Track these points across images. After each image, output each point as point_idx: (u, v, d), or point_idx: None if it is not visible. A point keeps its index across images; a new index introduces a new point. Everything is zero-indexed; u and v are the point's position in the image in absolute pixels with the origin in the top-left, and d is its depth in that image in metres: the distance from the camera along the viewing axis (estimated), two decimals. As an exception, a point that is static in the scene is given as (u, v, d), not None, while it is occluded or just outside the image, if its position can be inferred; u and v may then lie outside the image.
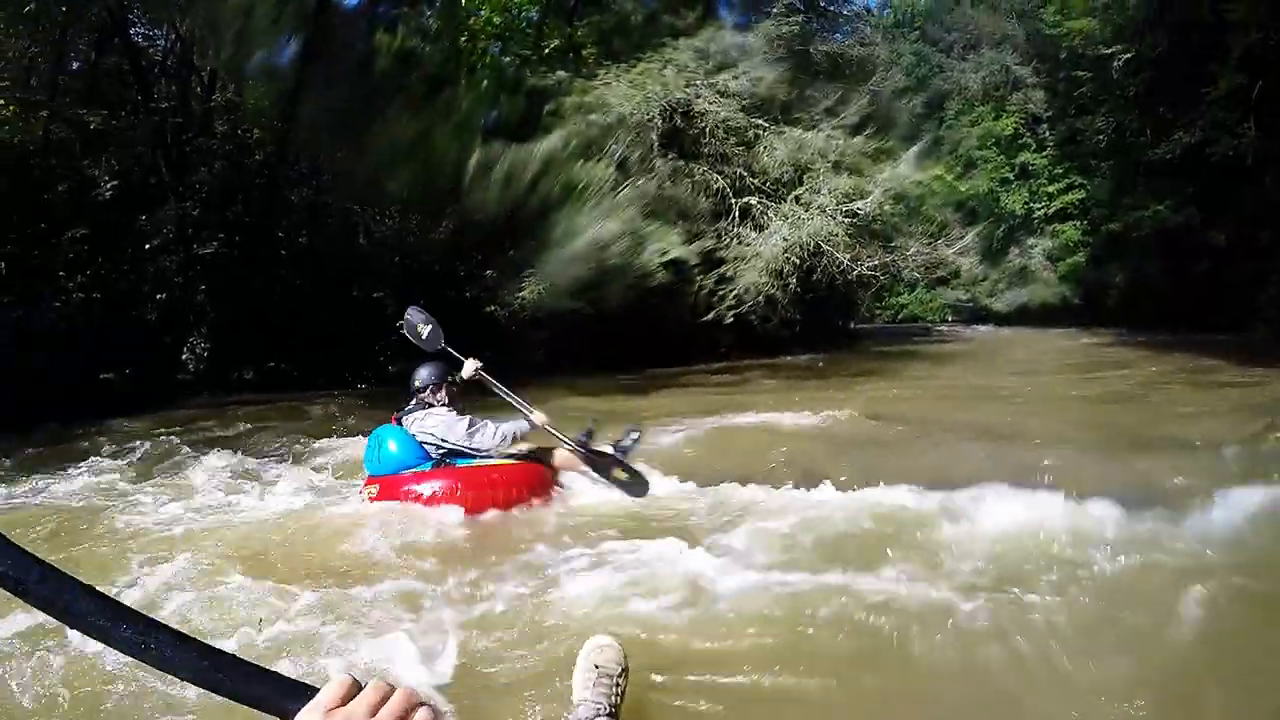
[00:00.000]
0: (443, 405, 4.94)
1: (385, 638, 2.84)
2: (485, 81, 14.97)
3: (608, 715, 2.17)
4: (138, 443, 7.36)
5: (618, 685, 2.26)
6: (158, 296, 14.89)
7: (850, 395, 10.02)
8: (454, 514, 4.44)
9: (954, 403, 9.78)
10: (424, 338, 5.46)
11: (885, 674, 2.63)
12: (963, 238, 16.30)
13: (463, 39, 16.28)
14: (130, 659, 0.73)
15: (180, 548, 3.96)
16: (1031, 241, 38.27)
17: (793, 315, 15.45)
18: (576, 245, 12.80)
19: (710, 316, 14.00)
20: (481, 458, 4.79)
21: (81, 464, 6.59)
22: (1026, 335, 28.82)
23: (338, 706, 0.69)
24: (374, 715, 0.68)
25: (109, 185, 14.14)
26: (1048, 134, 38.02)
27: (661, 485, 5.07)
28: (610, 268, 13.06)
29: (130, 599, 3.17)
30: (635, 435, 5.44)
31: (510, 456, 5.00)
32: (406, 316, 5.58)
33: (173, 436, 7.84)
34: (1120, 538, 3.58)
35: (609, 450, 5.21)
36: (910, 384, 12.54)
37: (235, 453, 6.74)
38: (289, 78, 17.69)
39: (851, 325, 26.29)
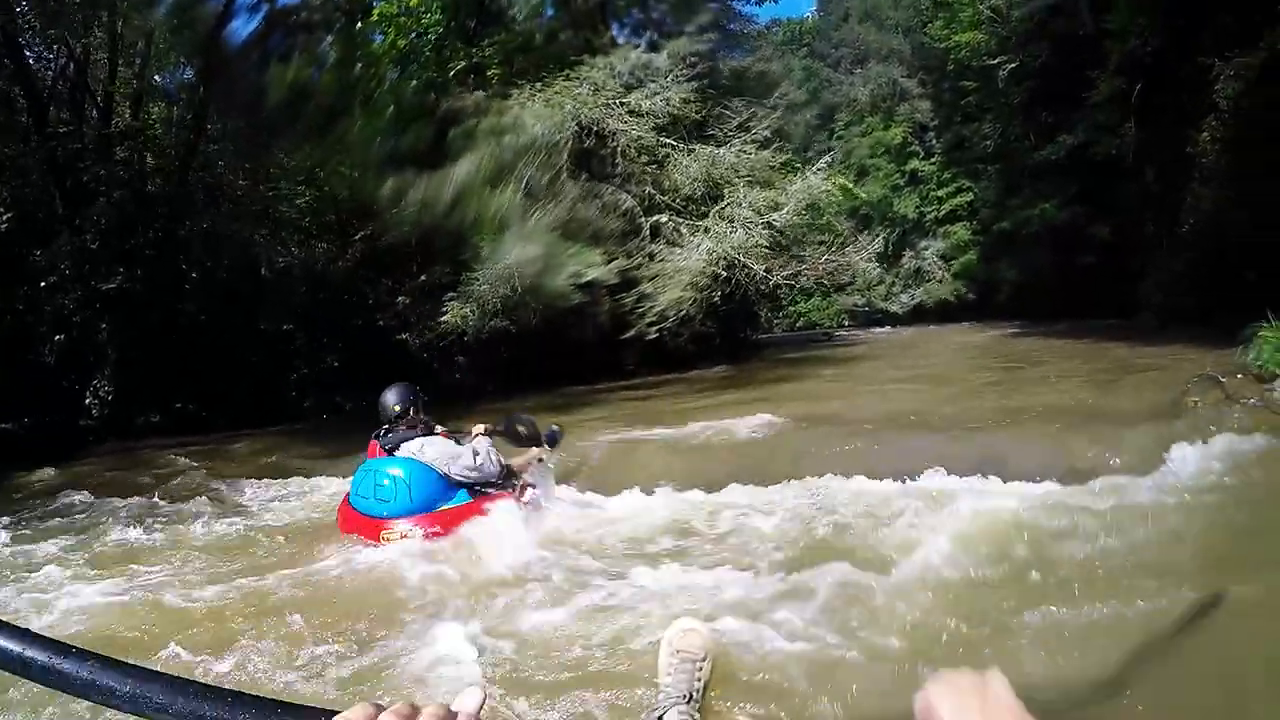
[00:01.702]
0: (423, 426, 4.75)
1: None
2: (390, 108, 14.67)
3: (685, 702, 2.12)
4: (60, 500, 7.01)
5: (699, 671, 2.21)
6: (56, 337, 13.98)
7: (775, 398, 10.18)
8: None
9: (879, 398, 10.08)
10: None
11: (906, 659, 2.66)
12: (870, 243, 16.77)
13: (357, 67, 15.94)
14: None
15: (210, 616, 3.70)
16: (924, 244, 40.02)
17: (708, 329, 15.61)
18: (497, 268, 12.70)
19: (631, 334, 14.03)
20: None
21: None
22: (927, 333, 30.08)
23: None
24: None
25: (3, 218, 13.20)
26: (935, 141, 39.87)
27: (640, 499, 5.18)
28: (529, 289, 13.00)
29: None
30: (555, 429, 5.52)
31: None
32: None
33: (104, 489, 7.44)
34: (1074, 511, 3.88)
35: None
36: (830, 384, 12.91)
37: (183, 501, 6.49)
38: (187, 104, 17.14)
39: (754, 336, 26.80)
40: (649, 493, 5.31)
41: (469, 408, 10.95)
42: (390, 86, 15.82)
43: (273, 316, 16.38)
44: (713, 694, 2.27)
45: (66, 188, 14.26)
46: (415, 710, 0.64)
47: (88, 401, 14.35)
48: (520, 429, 5.23)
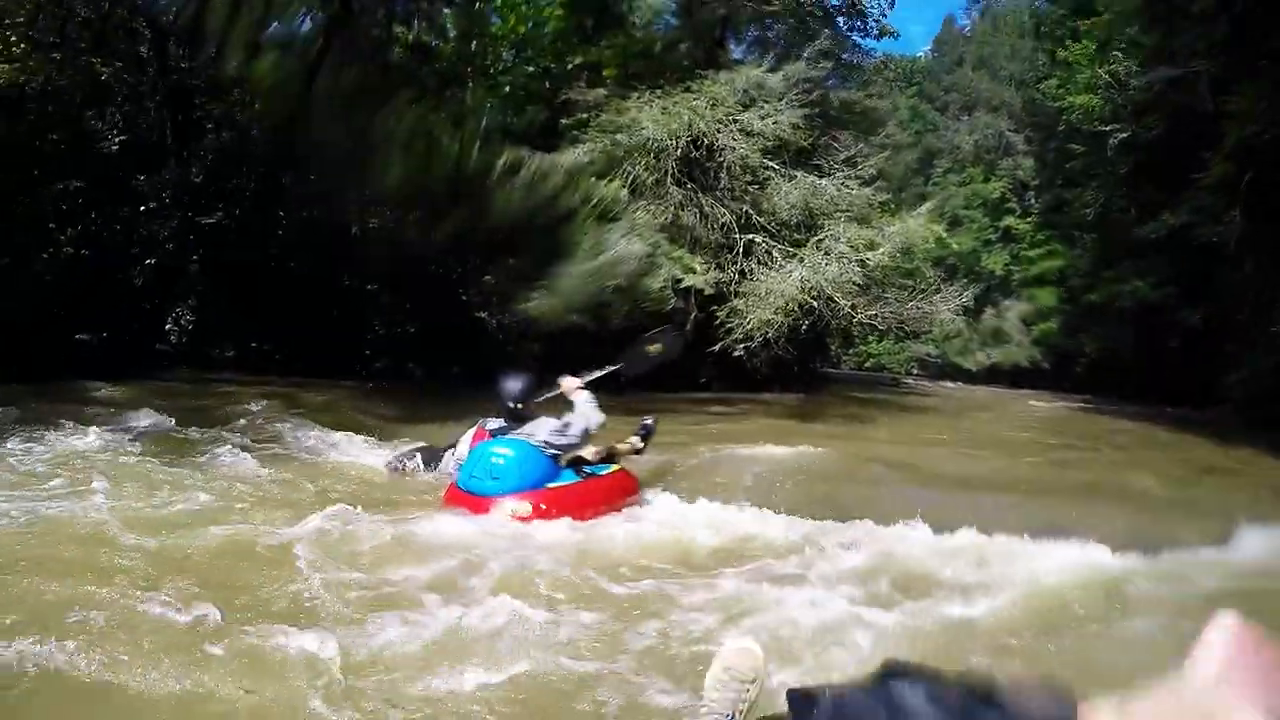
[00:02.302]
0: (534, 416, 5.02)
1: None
2: (508, 87, 14.96)
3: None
4: (134, 419, 7.18)
5: (746, 692, 2.18)
6: (147, 261, 14.38)
7: (850, 436, 10.19)
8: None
9: (952, 454, 9.98)
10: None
11: None
12: (960, 296, 16.58)
13: (475, 43, 16.27)
14: None
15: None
16: (1007, 303, 39.21)
17: (787, 355, 15.57)
18: (596, 261, 12.82)
19: (716, 348, 14.09)
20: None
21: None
22: (999, 395, 29.52)
23: None
24: None
25: (116, 139, 13.66)
26: (1033, 201, 39.08)
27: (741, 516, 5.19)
28: (624, 286, 13.09)
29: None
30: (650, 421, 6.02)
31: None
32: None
33: (181, 416, 7.54)
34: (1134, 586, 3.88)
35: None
36: (904, 430, 12.85)
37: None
38: (306, 54, 17.59)
39: (822, 369, 26.63)
40: (732, 505, 5.32)
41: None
42: (506, 68, 16.13)
43: (358, 275, 16.70)
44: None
45: (178, 121, 14.72)
46: None
47: (168, 327, 14.83)
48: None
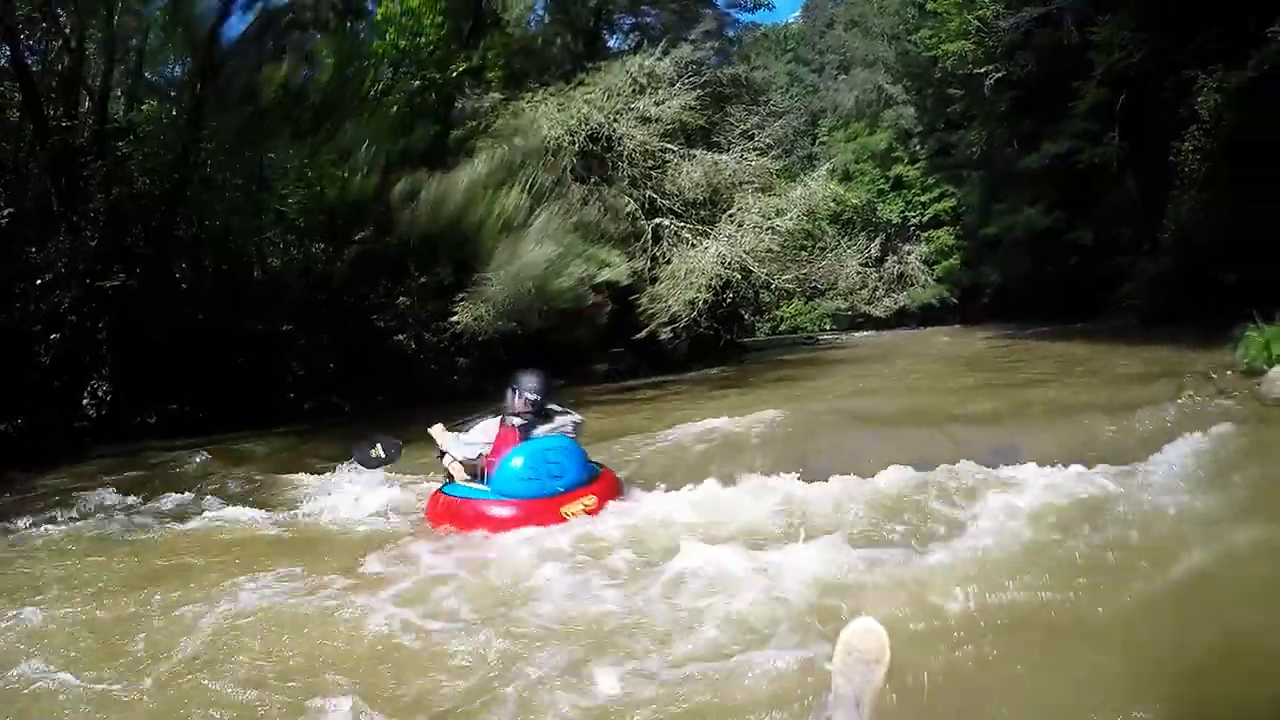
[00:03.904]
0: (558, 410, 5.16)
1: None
2: (394, 108, 14.73)
3: (855, 705, 2.09)
4: (85, 501, 6.80)
5: (871, 674, 2.15)
6: (52, 336, 13.64)
7: (788, 398, 10.39)
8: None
9: (879, 396, 10.38)
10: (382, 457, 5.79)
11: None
12: (867, 248, 17.13)
13: (352, 66, 15.94)
14: None
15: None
16: (908, 248, 40.41)
17: (709, 331, 15.81)
18: (512, 267, 12.78)
19: (643, 334, 14.22)
20: None
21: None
22: (911, 336, 30.67)
23: None
24: None
25: (4, 213, 12.94)
26: (919, 147, 40.33)
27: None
28: (538, 289, 13.10)
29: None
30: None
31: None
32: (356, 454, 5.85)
33: (131, 488, 7.27)
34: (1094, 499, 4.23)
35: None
36: (834, 383, 13.22)
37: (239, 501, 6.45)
38: (181, 102, 16.99)
39: (738, 339, 27.00)
40: (727, 484, 5.44)
41: (465, 408, 11.02)
42: (386, 86, 15.85)
43: (268, 317, 16.26)
44: (885, 699, 2.23)
45: (62, 185, 14.05)
46: None
47: (85, 402, 14.16)
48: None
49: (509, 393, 5.10)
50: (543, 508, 4.67)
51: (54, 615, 3.76)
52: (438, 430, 5.32)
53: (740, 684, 2.64)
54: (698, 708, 2.56)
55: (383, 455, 5.77)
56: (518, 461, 4.80)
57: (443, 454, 5.27)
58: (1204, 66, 13.72)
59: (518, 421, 4.98)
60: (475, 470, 5.11)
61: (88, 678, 3.02)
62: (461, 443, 5.22)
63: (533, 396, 4.99)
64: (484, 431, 5.17)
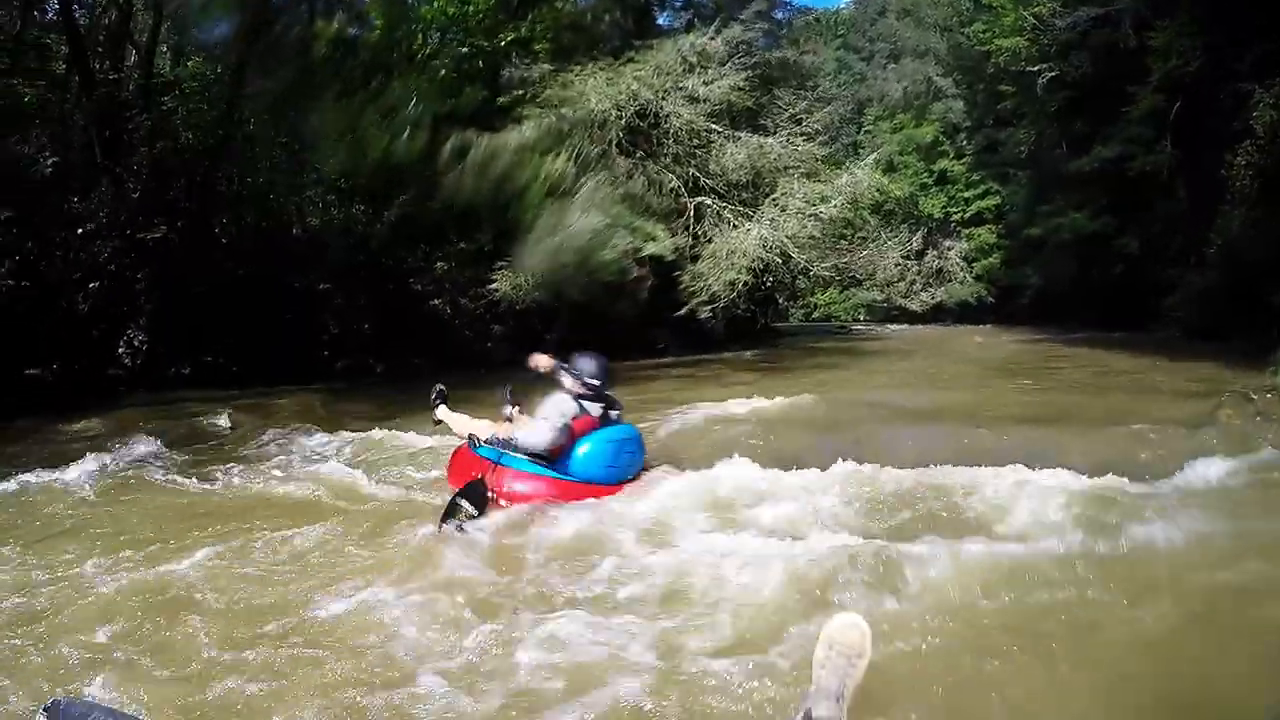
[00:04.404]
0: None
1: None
2: (441, 71, 14.73)
3: (836, 698, 2.08)
4: (123, 448, 6.72)
5: (852, 668, 2.16)
6: (91, 285, 13.82)
7: (823, 384, 10.38)
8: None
9: (911, 389, 10.29)
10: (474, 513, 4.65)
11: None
12: (909, 240, 16.97)
13: (400, 30, 15.92)
14: None
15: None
16: (948, 244, 39.94)
17: (746, 313, 15.79)
18: (556, 237, 12.76)
19: (682, 312, 14.22)
20: None
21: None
22: (946, 332, 30.28)
23: None
24: None
25: (49, 161, 13.14)
26: (966, 143, 39.70)
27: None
28: (589, 261, 13.03)
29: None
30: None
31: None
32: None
33: (165, 439, 7.20)
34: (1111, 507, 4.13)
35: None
36: (866, 374, 13.18)
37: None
38: (226, 59, 17.08)
39: (772, 323, 26.88)
40: (750, 467, 5.37)
41: (501, 376, 11.03)
42: (434, 50, 15.83)
43: (306, 275, 16.40)
44: (863, 694, 2.23)
45: (107, 137, 14.21)
46: None
47: (120, 351, 14.38)
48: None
49: (564, 375, 4.96)
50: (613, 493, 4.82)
51: (94, 562, 3.83)
52: (444, 412, 5.64)
53: (738, 680, 2.62)
54: (697, 703, 2.54)
55: (474, 512, 4.62)
56: (604, 449, 4.88)
57: (438, 402, 5.69)
58: (1261, 79, 13.41)
59: (596, 410, 4.95)
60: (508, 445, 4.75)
61: (120, 631, 3.09)
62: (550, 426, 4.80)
63: (594, 382, 4.94)
64: (558, 412, 4.81)
